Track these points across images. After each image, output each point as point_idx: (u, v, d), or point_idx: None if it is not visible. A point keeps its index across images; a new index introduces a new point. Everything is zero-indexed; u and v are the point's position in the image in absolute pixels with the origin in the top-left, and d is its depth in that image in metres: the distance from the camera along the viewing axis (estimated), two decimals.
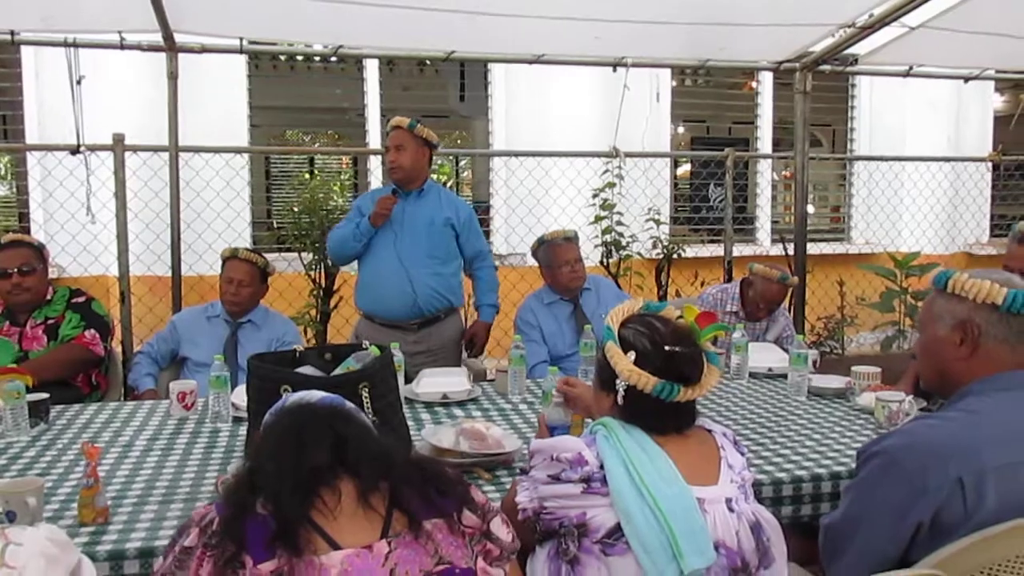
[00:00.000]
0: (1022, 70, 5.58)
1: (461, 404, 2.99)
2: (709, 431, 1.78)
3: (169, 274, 4.24)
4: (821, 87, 7.07)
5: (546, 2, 3.79)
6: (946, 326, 1.73)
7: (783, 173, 9.10)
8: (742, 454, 1.77)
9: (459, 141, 9.77)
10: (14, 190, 6.30)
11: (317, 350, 2.39)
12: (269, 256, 3.81)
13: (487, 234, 6.73)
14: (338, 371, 2.22)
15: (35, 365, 3.31)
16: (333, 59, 6.21)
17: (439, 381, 3.08)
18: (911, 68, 4.99)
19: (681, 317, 1.79)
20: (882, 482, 1.66)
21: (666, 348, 1.69)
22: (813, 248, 6.86)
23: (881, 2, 3.98)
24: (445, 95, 8.79)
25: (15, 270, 3.39)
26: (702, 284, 5.26)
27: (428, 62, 7.94)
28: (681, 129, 9.71)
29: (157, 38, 3.92)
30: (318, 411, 1.49)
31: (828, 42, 4.49)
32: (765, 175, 7.34)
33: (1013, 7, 4.07)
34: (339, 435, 1.42)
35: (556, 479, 1.66)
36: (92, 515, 1.92)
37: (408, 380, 3.18)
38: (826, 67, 4.76)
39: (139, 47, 3.95)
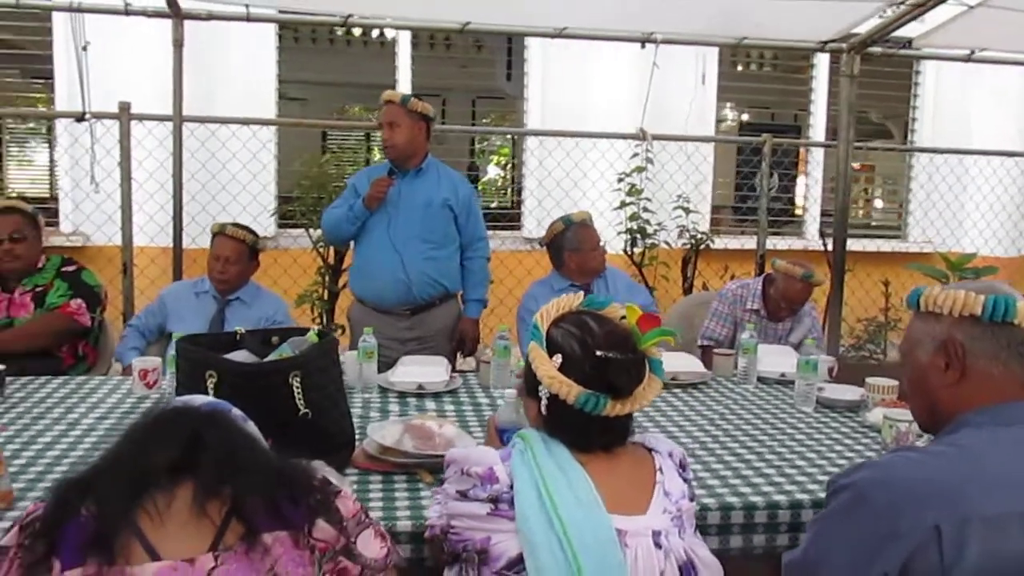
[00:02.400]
0: None
1: (437, 396, 2.81)
2: (650, 450, 1.55)
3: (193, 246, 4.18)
4: (885, 73, 6.68)
5: None
6: (927, 351, 1.45)
7: (854, 164, 8.67)
8: (686, 481, 1.54)
9: (501, 122, 9.60)
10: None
11: (263, 332, 2.23)
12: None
13: (518, 216, 6.56)
14: (271, 358, 2.05)
15: (15, 333, 3.26)
16: (363, 33, 6.12)
17: (415, 371, 2.89)
18: (973, 52, 4.60)
19: (625, 318, 1.56)
20: (847, 520, 1.40)
21: (597, 353, 1.47)
22: (867, 245, 6.51)
23: None
24: (492, 73, 8.62)
25: (6, 237, 3.33)
26: (732, 277, 4.97)
27: (476, 40, 7.93)
28: (746, 116, 9.37)
29: (164, 5, 3.82)
30: (184, 412, 1.34)
31: (877, 21, 4.14)
32: (818, 165, 6.95)
33: None
34: (197, 439, 1.26)
35: (464, 496, 1.47)
36: None
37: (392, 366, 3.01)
38: (876, 49, 4.40)
39: (144, 13, 3.83)
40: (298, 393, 1.93)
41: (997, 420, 1.40)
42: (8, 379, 2.74)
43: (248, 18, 3.90)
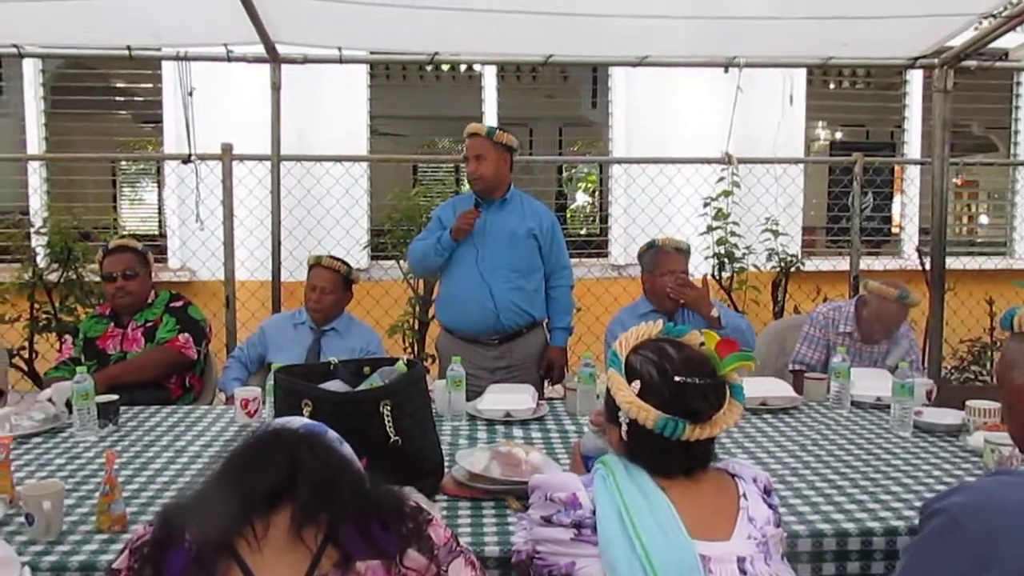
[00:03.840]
0: None
1: (524, 423, 2.85)
2: (733, 475, 1.56)
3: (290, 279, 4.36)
4: (985, 85, 6.45)
5: (649, 1, 3.59)
6: (1023, 372, 1.43)
7: (955, 180, 8.37)
8: (772, 507, 1.53)
9: (588, 149, 9.65)
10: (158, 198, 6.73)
11: (355, 363, 2.32)
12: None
13: (605, 243, 6.57)
14: (362, 387, 2.14)
15: (127, 367, 3.45)
16: (451, 68, 6.28)
17: (502, 398, 2.94)
18: None
19: (704, 344, 1.58)
20: (942, 546, 1.37)
21: (675, 379, 1.48)
22: (968, 262, 6.26)
23: None
24: (578, 102, 8.71)
25: (119, 274, 3.54)
26: (824, 300, 4.85)
27: (562, 71, 8.04)
28: (839, 135, 9.17)
29: (263, 51, 4.02)
30: (281, 436, 1.40)
31: (971, 34, 4.02)
32: (914, 182, 6.74)
33: None
34: (296, 463, 1.32)
35: (549, 521, 1.50)
36: (108, 522, 1.91)
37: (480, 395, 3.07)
38: (970, 63, 4.27)
39: (244, 59, 4.05)
40: (388, 421, 2.01)
41: None
42: (121, 409, 2.91)
43: (341, 60, 4.07)
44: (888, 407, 2.92)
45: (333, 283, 3.60)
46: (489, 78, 6.39)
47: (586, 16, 3.66)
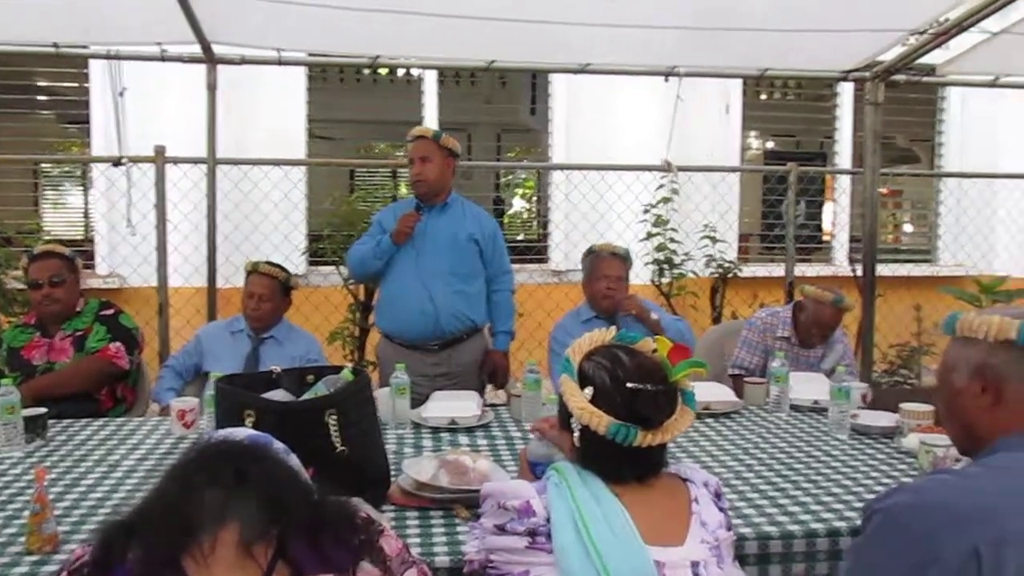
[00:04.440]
0: None
1: (469, 430, 2.82)
2: (685, 480, 1.56)
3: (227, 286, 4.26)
4: (911, 99, 6.69)
5: (592, 9, 3.61)
6: (963, 375, 1.47)
7: (881, 190, 8.62)
8: (722, 510, 1.54)
9: (526, 156, 9.70)
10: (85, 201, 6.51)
11: (299, 371, 2.27)
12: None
13: (545, 249, 6.59)
14: (307, 396, 2.09)
15: (55, 378, 3.32)
16: (389, 72, 6.23)
17: (447, 405, 2.92)
18: (997, 77, 4.59)
19: (656, 351, 1.58)
20: (884, 547, 1.40)
21: (628, 385, 1.48)
22: (897, 269, 6.47)
23: (956, 6, 3.65)
24: (517, 108, 8.73)
25: (46, 281, 3.41)
26: (761, 305, 4.95)
27: (501, 76, 8.05)
28: (772, 144, 9.38)
29: (199, 50, 3.92)
30: (225, 449, 1.35)
31: (901, 50, 4.15)
32: (844, 191, 6.93)
33: None
34: (242, 476, 1.28)
35: (502, 530, 1.48)
36: (39, 543, 1.82)
37: (423, 401, 3.04)
38: (900, 77, 4.40)
39: (179, 59, 3.94)
40: (334, 430, 1.97)
41: None
42: (50, 422, 2.79)
43: (280, 62, 4.00)
44: (825, 410, 2.99)
45: (271, 290, 3.53)
46: (429, 82, 6.36)
47: (528, 22, 3.67)
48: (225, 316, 3.90)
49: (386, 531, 1.34)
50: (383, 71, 7.61)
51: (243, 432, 1.44)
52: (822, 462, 2.49)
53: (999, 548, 1.27)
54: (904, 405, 2.78)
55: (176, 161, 4.35)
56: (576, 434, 1.51)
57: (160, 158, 4.20)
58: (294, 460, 1.40)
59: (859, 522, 1.95)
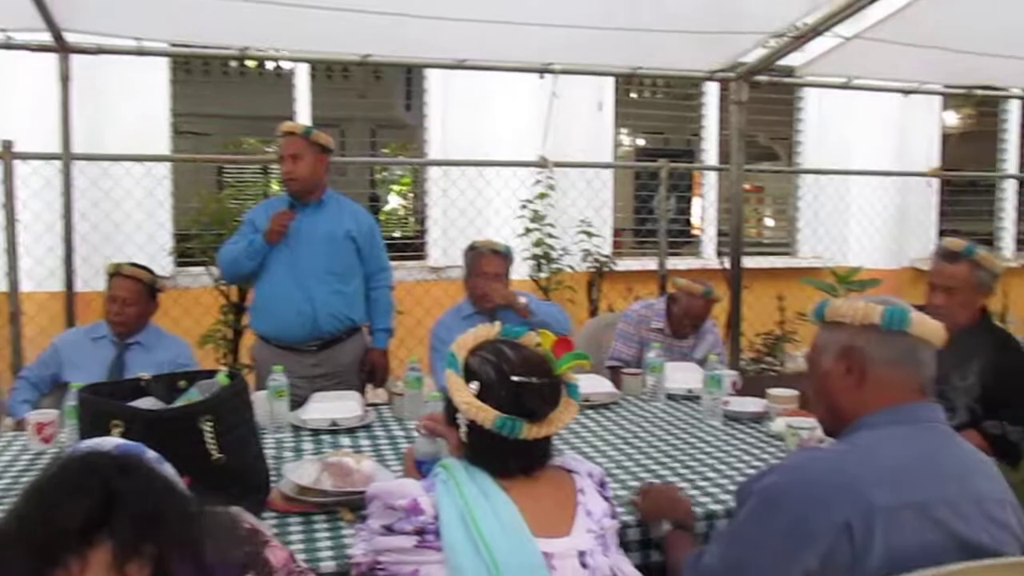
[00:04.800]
0: (966, 86, 5.49)
1: (351, 431, 2.77)
2: (570, 471, 1.58)
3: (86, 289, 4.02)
4: (771, 99, 7.02)
5: (468, 5, 3.61)
6: (831, 357, 1.57)
7: (745, 186, 9.01)
8: (607, 499, 1.57)
9: (402, 152, 9.61)
10: None
11: (169, 377, 2.16)
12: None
13: (423, 246, 6.56)
14: (179, 403, 2.00)
15: None
16: (259, 65, 6.04)
17: (328, 407, 2.85)
18: (850, 80, 4.87)
19: (540, 345, 1.59)
20: (763, 526, 1.47)
21: (512, 378, 1.49)
22: (760, 262, 6.77)
23: (812, 11, 3.85)
24: (392, 103, 8.63)
25: None
26: (636, 298, 5.09)
27: (375, 70, 7.94)
28: (641, 140, 9.64)
29: (50, 38, 3.68)
30: (92, 462, 1.26)
31: (762, 52, 4.35)
32: (712, 187, 7.21)
33: (949, 21, 3.95)
34: (112, 491, 1.19)
35: (390, 530, 1.46)
36: None
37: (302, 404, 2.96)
38: (762, 78, 4.61)
39: (27, 47, 3.69)
40: (210, 437, 1.89)
41: (892, 420, 1.50)
42: None
43: (140, 52, 3.80)
44: (699, 398, 3.10)
45: (135, 293, 3.35)
46: (301, 76, 6.20)
47: (404, 16, 3.63)
48: (85, 322, 3.68)
49: (271, 541, 1.30)
50: (252, 64, 7.35)
51: (111, 442, 1.36)
52: (697, 448, 2.58)
53: (867, 520, 1.36)
54: (771, 391, 2.92)
55: (25, 157, 4.07)
56: (463, 429, 1.51)
57: (8, 154, 3.91)
58: (168, 470, 1.33)
59: (716, 508, 2.04)
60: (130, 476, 1.20)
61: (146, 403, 1.99)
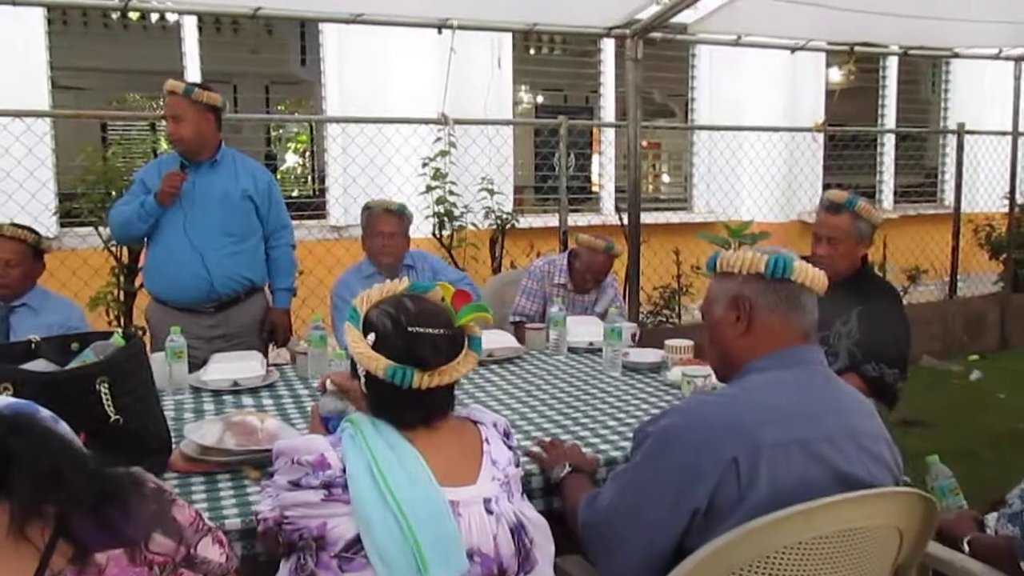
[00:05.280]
0: (849, 43, 5.71)
1: (254, 391, 2.75)
2: (475, 422, 1.62)
3: None
4: (668, 57, 7.15)
5: None
6: (722, 306, 1.66)
7: (642, 143, 9.17)
8: (511, 448, 1.63)
9: (299, 109, 9.38)
10: None
11: (60, 339, 2.10)
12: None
13: (323, 205, 6.46)
14: (73, 364, 1.94)
15: None
16: (141, 16, 5.76)
17: (229, 367, 2.82)
18: (739, 37, 5.01)
19: (444, 299, 1.62)
20: (656, 466, 1.55)
21: (409, 329, 1.52)
22: (656, 217, 6.95)
23: None
24: (286, 59, 8.39)
25: None
26: (538, 255, 5.17)
27: (267, 24, 7.68)
28: (540, 98, 9.67)
29: None
30: None
31: (656, 9, 4.42)
32: (610, 144, 7.32)
33: None
34: (8, 451, 1.17)
35: (297, 485, 1.47)
36: None
37: (201, 366, 2.91)
38: (656, 35, 4.69)
39: None
40: (107, 399, 1.85)
41: (778, 364, 1.60)
42: None
43: (15, 2, 3.59)
44: (600, 351, 3.19)
45: (18, 254, 3.20)
46: (189, 29, 5.95)
47: None
48: None
49: (177, 500, 1.29)
50: (135, 16, 7.01)
51: (2, 401, 1.32)
52: (598, 398, 2.67)
53: (753, 457, 1.45)
54: (668, 341, 3.03)
55: None
56: (362, 381, 1.53)
57: None
58: (64, 427, 1.30)
59: (616, 455, 2.13)
60: (23, 435, 1.18)
61: (37, 366, 1.93)
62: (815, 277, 1.62)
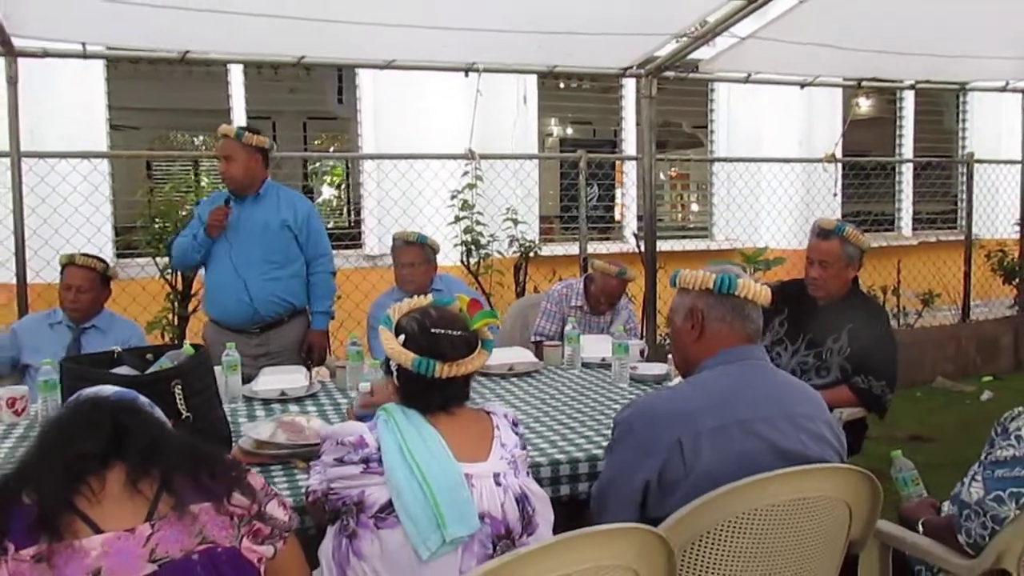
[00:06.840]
0: (857, 78, 5.98)
1: (299, 400, 3.08)
2: (488, 412, 1.94)
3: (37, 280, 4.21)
4: (691, 90, 7.46)
5: (394, 11, 3.90)
6: (680, 316, 2.01)
7: (669, 172, 9.51)
8: (518, 435, 1.93)
9: (336, 144, 9.82)
10: None
11: (137, 350, 2.45)
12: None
13: (359, 235, 6.84)
14: (152, 370, 2.29)
15: None
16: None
17: (277, 379, 3.16)
18: (749, 75, 5.31)
19: (462, 309, 1.95)
20: (620, 448, 1.93)
21: (432, 331, 1.84)
22: (675, 245, 7.23)
23: (711, 13, 4.25)
24: (323, 97, 8.84)
25: None
26: (559, 280, 5.47)
27: (306, 66, 8.12)
28: (570, 131, 10.03)
29: None
30: (99, 403, 1.57)
31: (672, 48, 4.74)
32: (631, 175, 7.63)
33: (829, 23, 4.39)
34: (121, 426, 1.50)
35: (341, 461, 1.79)
36: None
37: (248, 381, 3.25)
38: (670, 73, 5.02)
39: None
40: (180, 399, 2.19)
41: (723, 360, 1.97)
42: None
43: (85, 55, 4.01)
44: (611, 366, 3.48)
45: (89, 281, 3.58)
46: (235, 72, 6.41)
47: (336, 22, 3.91)
48: (35, 311, 3.89)
49: (251, 471, 1.62)
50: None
51: (109, 389, 1.66)
52: (605, 406, 2.96)
53: (696, 439, 1.81)
54: (671, 355, 3.32)
55: None
56: (394, 373, 1.85)
57: None
58: (158, 411, 1.65)
59: None
60: (133, 415, 1.53)
61: (122, 371, 2.27)
62: (757, 292, 1.94)
